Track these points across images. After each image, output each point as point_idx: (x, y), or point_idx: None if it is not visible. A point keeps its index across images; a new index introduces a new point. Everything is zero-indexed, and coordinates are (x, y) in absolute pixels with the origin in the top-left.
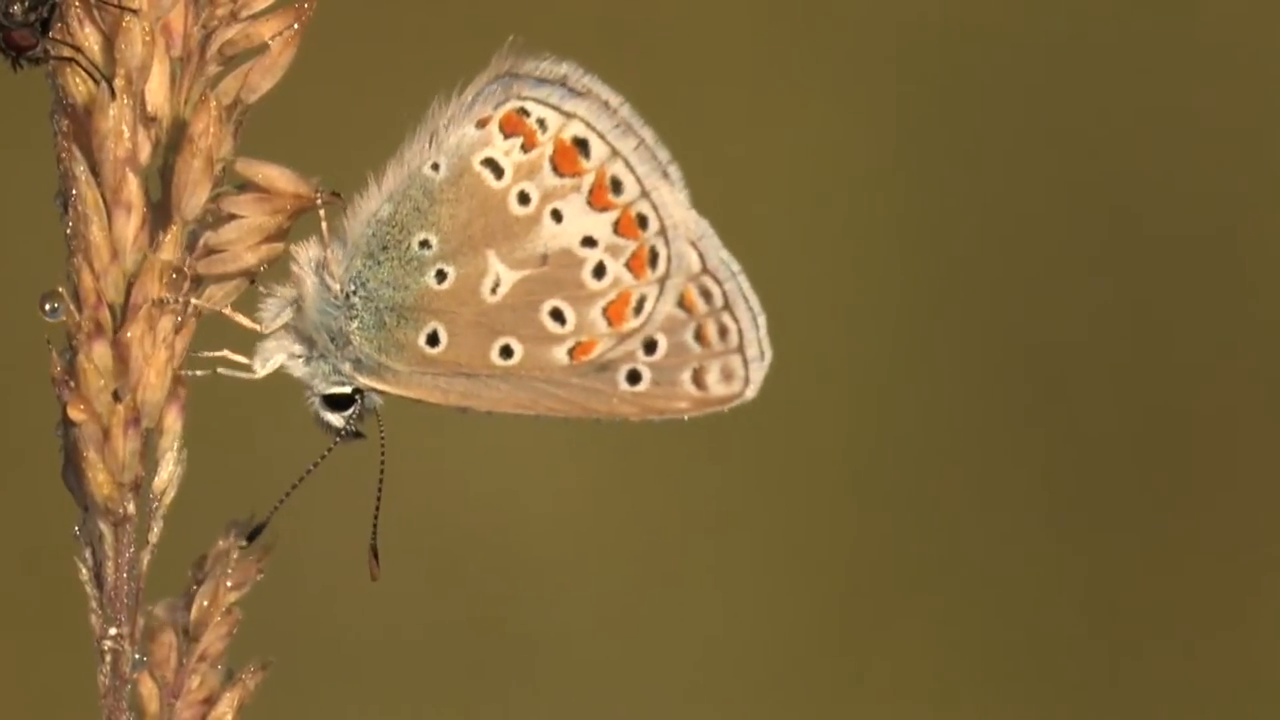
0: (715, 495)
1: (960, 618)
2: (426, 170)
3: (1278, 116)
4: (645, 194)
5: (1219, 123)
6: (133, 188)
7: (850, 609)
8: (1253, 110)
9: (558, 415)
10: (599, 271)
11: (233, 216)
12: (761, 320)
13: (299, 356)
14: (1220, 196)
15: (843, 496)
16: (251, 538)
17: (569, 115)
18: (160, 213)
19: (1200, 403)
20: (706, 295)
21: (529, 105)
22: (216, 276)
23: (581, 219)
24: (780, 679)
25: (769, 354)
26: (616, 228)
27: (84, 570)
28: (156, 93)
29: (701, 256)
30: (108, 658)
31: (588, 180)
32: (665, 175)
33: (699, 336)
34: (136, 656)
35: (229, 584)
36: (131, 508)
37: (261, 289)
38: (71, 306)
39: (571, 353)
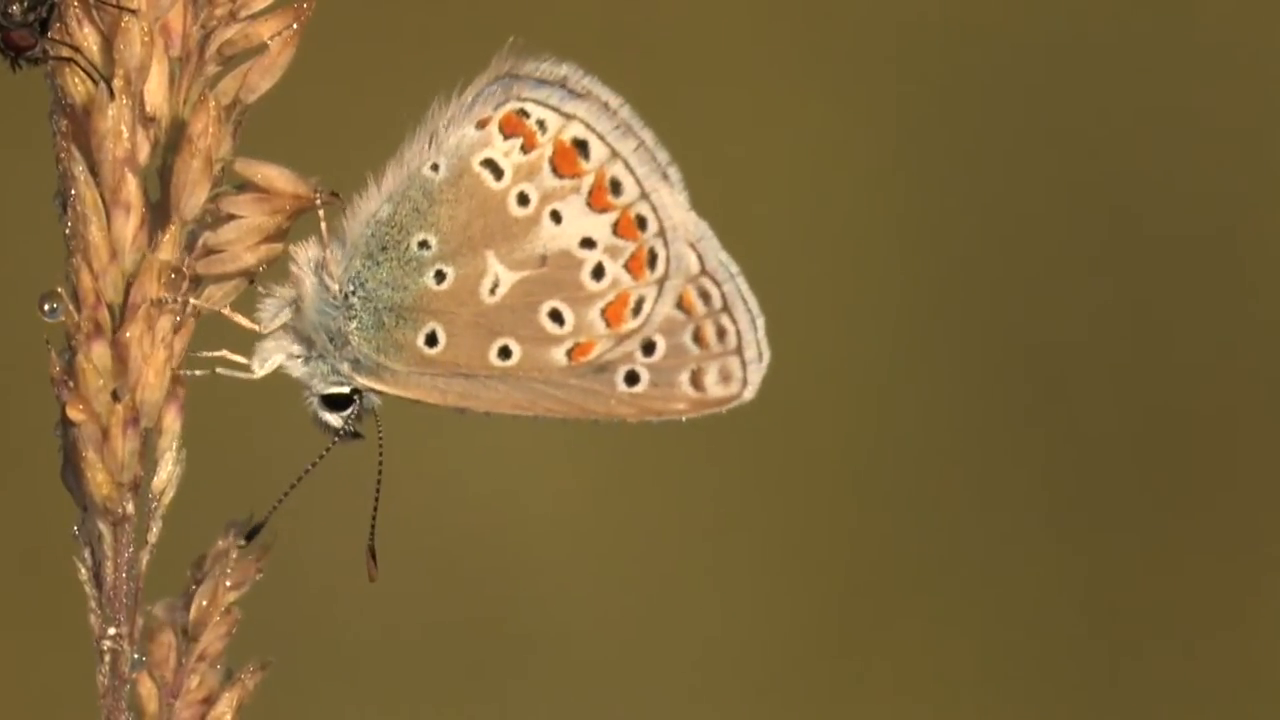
0: (714, 496)
1: (960, 618)
2: (426, 171)
3: (1278, 116)
4: (644, 195)
5: (1219, 123)
6: (131, 188)
7: (850, 609)
8: (1253, 110)
9: (556, 416)
10: (598, 273)
11: (232, 217)
12: (760, 322)
13: (297, 356)
14: (1220, 196)
15: (842, 497)
16: (250, 537)
17: (569, 116)
18: (159, 213)
19: (1200, 403)
20: (705, 297)
21: (529, 106)
22: (215, 276)
23: (581, 220)
24: (779, 679)
25: (767, 355)
26: (615, 229)
27: (83, 570)
28: (155, 93)
29: (700, 258)
30: (107, 657)
31: (587, 181)
32: (665, 177)
33: (697, 338)
34: (135, 656)
35: (228, 584)
36: (130, 507)
37: (260, 289)
38: (70, 306)
39: (570, 354)
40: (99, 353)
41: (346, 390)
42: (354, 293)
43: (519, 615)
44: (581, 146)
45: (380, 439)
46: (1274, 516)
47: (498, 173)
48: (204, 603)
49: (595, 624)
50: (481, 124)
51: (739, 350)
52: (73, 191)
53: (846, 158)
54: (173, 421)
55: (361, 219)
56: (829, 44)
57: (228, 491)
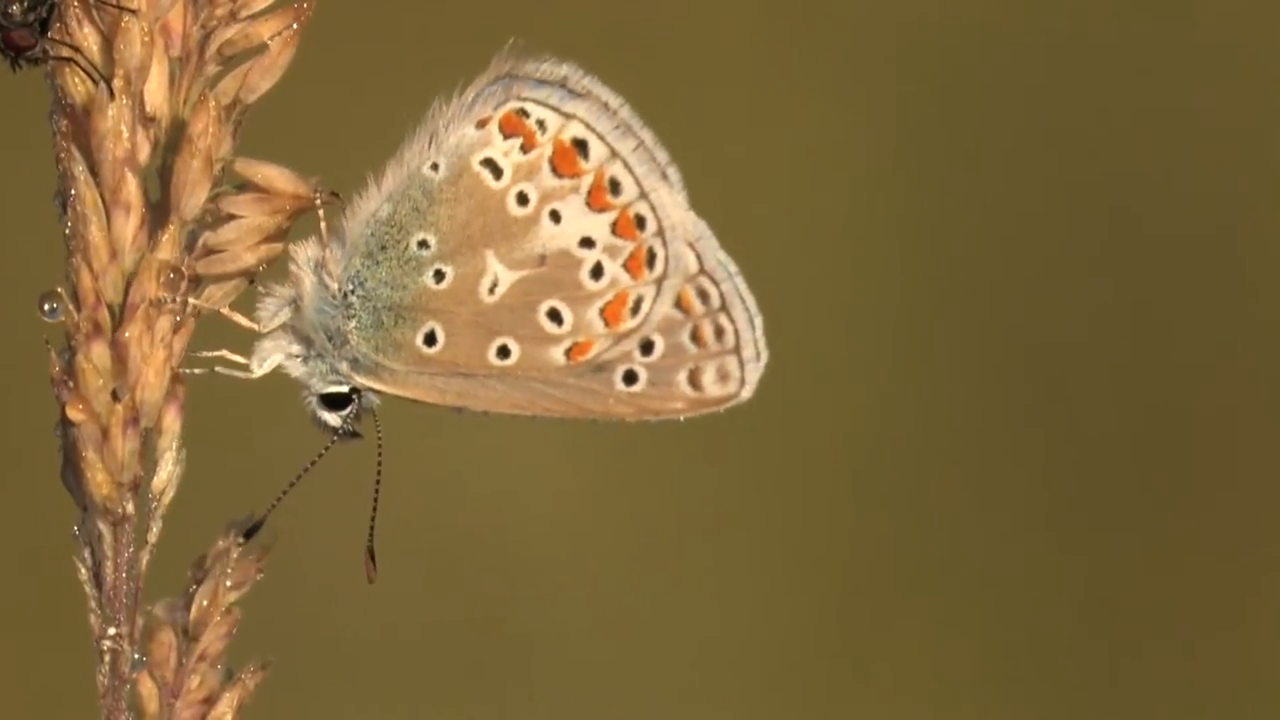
0: (713, 496)
1: (960, 618)
2: (426, 170)
3: (1278, 116)
4: (644, 195)
5: (1219, 123)
6: (131, 188)
7: (850, 609)
8: (1253, 110)
9: (554, 415)
10: (597, 272)
11: (231, 216)
12: (758, 321)
13: (297, 356)
14: (1220, 196)
15: (841, 497)
16: (248, 535)
17: (568, 116)
18: (159, 213)
19: (1200, 403)
20: (703, 296)
21: (529, 106)
22: (215, 276)
23: (580, 220)
24: (779, 679)
25: (765, 355)
26: (614, 229)
27: (83, 570)
28: (155, 93)
29: (699, 257)
30: (107, 657)
31: (586, 181)
32: (664, 176)
33: (695, 337)
34: (136, 656)
35: (228, 584)
36: (130, 507)
37: (260, 289)
38: (70, 306)
39: (568, 353)
40: (99, 353)
41: (345, 389)
42: (353, 292)
43: (518, 615)
44: (581, 146)
45: (379, 439)
46: (1274, 516)
47: (497, 172)
48: (204, 603)
49: (594, 624)
50: (481, 124)
51: (737, 350)
52: (73, 191)
53: (846, 158)
54: (172, 421)
55: (361, 218)
56: (829, 44)
57: (228, 491)
